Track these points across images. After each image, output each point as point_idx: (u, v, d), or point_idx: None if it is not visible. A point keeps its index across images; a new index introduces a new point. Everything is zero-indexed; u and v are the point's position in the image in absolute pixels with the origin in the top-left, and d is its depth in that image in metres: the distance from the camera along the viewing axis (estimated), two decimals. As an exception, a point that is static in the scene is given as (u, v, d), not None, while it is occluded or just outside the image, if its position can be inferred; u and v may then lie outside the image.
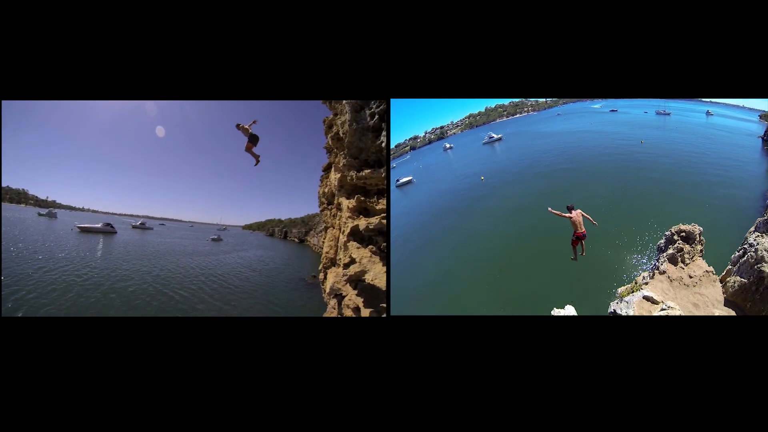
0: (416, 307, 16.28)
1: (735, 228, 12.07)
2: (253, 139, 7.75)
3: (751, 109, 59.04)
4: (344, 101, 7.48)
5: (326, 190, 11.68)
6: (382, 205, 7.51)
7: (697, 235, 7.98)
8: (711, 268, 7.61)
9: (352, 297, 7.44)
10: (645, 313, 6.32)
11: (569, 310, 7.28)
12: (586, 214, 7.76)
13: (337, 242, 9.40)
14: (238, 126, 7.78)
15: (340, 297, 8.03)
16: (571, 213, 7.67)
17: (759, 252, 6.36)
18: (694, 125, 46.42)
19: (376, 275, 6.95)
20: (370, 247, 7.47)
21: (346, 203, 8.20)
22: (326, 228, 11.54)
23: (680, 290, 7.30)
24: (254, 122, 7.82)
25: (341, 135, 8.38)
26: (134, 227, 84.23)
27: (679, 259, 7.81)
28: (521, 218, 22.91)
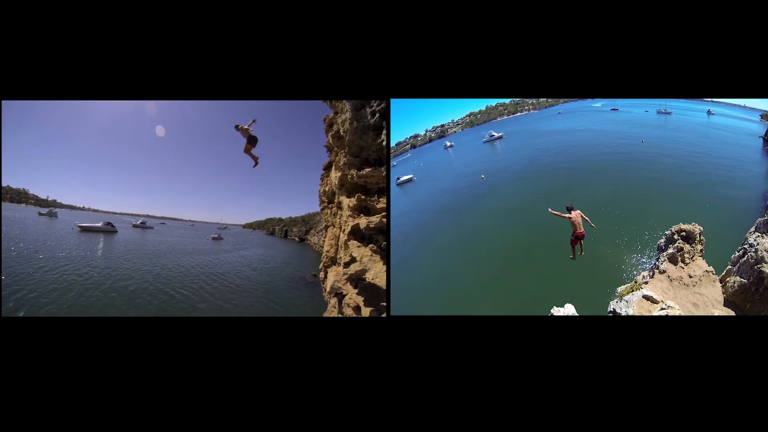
0: (416, 306, 16.30)
1: (735, 228, 12.06)
2: (252, 141, 7.72)
3: (752, 108, 58.89)
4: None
5: (327, 188, 11.68)
6: (382, 203, 7.52)
7: (698, 235, 7.98)
8: (711, 268, 7.61)
9: (352, 296, 7.45)
10: (645, 313, 6.33)
11: (569, 309, 7.28)
12: (584, 216, 7.86)
13: (338, 241, 9.41)
14: (236, 127, 7.74)
15: (340, 296, 8.04)
16: (570, 214, 7.77)
17: (759, 252, 6.36)
18: (695, 124, 46.35)
19: (377, 274, 6.96)
20: (371, 245, 7.48)
21: (347, 202, 8.21)
22: (327, 227, 11.55)
23: (680, 290, 7.30)
24: (254, 121, 7.78)
25: (342, 133, 8.38)
26: (135, 226, 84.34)
27: (679, 258, 7.81)
28: (522, 217, 22.93)
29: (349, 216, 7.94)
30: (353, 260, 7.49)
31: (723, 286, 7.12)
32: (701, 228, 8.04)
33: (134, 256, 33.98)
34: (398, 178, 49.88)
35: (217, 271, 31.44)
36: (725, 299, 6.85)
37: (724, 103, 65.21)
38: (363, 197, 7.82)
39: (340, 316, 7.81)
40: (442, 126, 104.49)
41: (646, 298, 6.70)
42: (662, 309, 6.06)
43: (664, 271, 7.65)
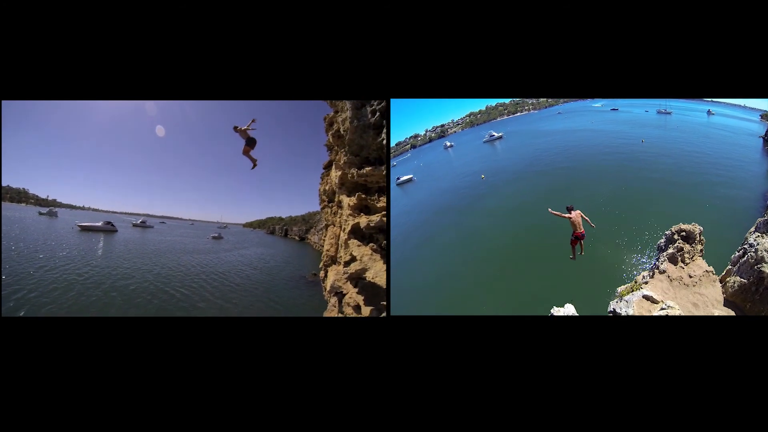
0: (417, 306, 16.31)
1: (735, 228, 12.06)
2: (250, 143, 7.69)
3: (752, 108, 58.84)
4: (345, 99, 7.48)
5: (327, 187, 11.68)
6: (382, 202, 7.52)
7: (698, 235, 7.98)
8: (711, 268, 7.61)
9: (352, 295, 7.45)
10: (645, 312, 6.33)
11: (569, 309, 7.29)
12: (584, 216, 7.88)
13: (338, 240, 9.42)
14: (235, 128, 7.68)
15: (340, 295, 8.04)
16: (570, 214, 7.81)
17: (759, 252, 6.36)
18: (695, 124, 46.33)
19: (377, 273, 6.96)
20: (371, 245, 7.48)
21: (347, 201, 8.21)
22: (327, 226, 11.55)
23: (680, 290, 7.31)
24: (253, 121, 7.73)
25: (342, 132, 8.38)
26: (135, 225, 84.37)
27: (679, 258, 7.81)
28: (522, 217, 22.94)
29: (350, 215, 7.94)
30: (353, 259, 7.49)
31: (723, 286, 7.12)
32: (701, 228, 8.04)
33: (134, 256, 34.00)
34: (398, 178, 49.88)
35: (218, 270, 31.46)
36: (725, 299, 6.86)
37: (724, 103, 65.16)
38: (363, 196, 7.82)
39: (340, 315, 7.81)
40: (442, 126, 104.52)
41: (646, 298, 6.70)
42: (662, 309, 6.07)
43: (664, 271, 7.65)
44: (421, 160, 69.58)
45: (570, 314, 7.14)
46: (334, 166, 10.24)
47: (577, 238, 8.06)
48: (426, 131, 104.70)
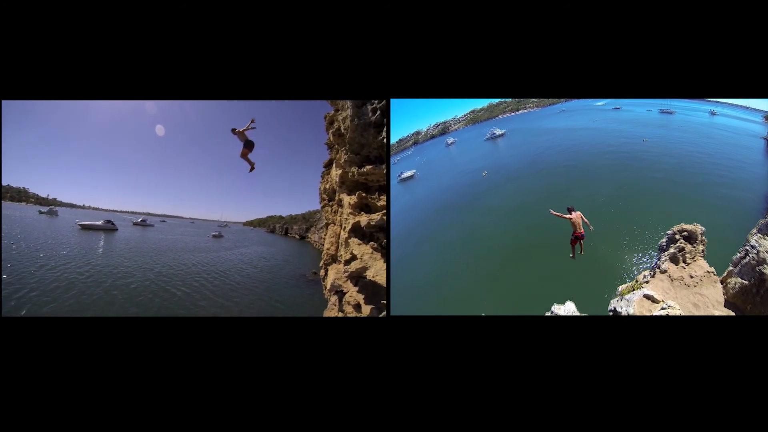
0: (417, 304, 16.32)
1: (737, 229, 12.03)
2: (248, 145, 7.62)
3: (755, 109, 58.59)
4: (345, 98, 7.46)
5: (327, 186, 11.68)
6: (383, 201, 7.51)
7: (699, 235, 7.96)
8: (712, 269, 7.59)
9: (353, 294, 7.45)
10: (645, 312, 6.32)
11: (569, 306, 7.29)
12: (584, 218, 7.98)
13: (338, 239, 9.42)
14: (233, 131, 7.58)
15: (341, 293, 8.04)
16: (571, 215, 7.89)
17: (761, 254, 6.34)
18: (697, 125, 46.17)
19: (377, 272, 6.96)
20: (372, 243, 7.48)
21: (348, 199, 8.21)
22: (327, 224, 11.56)
23: (681, 290, 7.29)
24: (252, 121, 7.62)
25: (343, 131, 8.38)
26: (135, 224, 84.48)
27: (681, 258, 7.80)
28: (523, 216, 22.92)
29: (350, 213, 7.94)
30: (354, 258, 7.49)
31: (724, 287, 7.11)
32: (703, 228, 8.02)
33: (135, 254, 34.07)
34: (400, 175, 49.89)
35: (218, 269, 31.52)
36: (726, 300, 6.84)
37: (727, 103, 64.90)
38: (364, 195, 7.81)
39: (340, 313, 7.82)
40: (445, 123, 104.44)
41: (647, 297, 6.69)
42: (663, 309, 6.05)
43: (665, 271, 7.64)
44: (423, 156, 69.52)
45: (570, 311, 7.14)
46: (334, 165, 10.24)
47: (576, 238, 8.17)
48: (428, 128, 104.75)
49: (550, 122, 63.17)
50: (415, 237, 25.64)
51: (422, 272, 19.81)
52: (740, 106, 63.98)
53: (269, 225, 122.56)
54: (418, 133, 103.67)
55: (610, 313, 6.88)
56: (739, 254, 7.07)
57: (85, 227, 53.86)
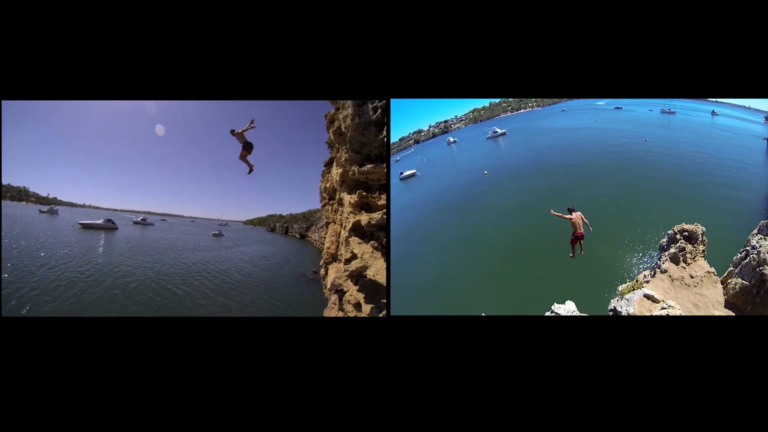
0: (417, 304, 16.33)
1: (737, 230, 12.02)
2: (247, 147, 7.58)
3: (756, 110, 58.47)
4: (346, 97, 7.45)
5: (328, 185, 11.68)
6: (383, 200, 7.51)
7: (700, 235, 7.95)
8: (713, 269, 7.59)
9: (353, 292, 7.45)
10: (645, 311, 6.32)
11: (569, 305, 7.28)
12: (584, 219, 8.06)
13: (339, 238, 9.42)
14: (232, 132, 7.53)
15: (341, 292, 8.05)
16: (571, 215, 7.93)
17: (761, 255, 6.34)
18: (699, 125, 46.08)
19: (378, 271, 6.97)
20: (372, 242, 7.48)
21: (348, 198, 8.21)
22: (327, 223, 11.56)
23: (681, 290, 7.29)
24: (252, 122, 7.56)
25: (343, 130, 8.38)
26: (135, 223, 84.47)
27: (681, 258, 7.79)
28: (524, 216, 22.90)
29: (350, 213, 7.94)
30: (354, 257, 7.49)
31: (724, 288, 7.10)
32: (704, 228, 8.01)
33: (135, 253, 34.09)
34: (401, 173, 49.88)
35: (219, 268, 31.54)
36: (726, 301, 6.84)
37: (728, 104, 64.76)
38: (364, 194, 7.81)
39: (340, 312, 7.82)
40: (446, 122, 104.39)
41: (647, 297, 6.68)
42: (663, 308, 6.05)
43: (665, 271, 7.64)
44: (425, 155, 69.45)
45: (571, 311, 7.13)
46: (335, 164, 10.23)
47: (576, 238, 8.24)
48: (429, 127, 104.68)
49: (552, 121, 63.10)
50: (416, 236, 25.64)
51: (422, 271, 19.81)
52: (741, 107, 63.85)
53: (269, 224, 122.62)
54: (419, 131, 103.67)
55: (611, 313, 6.88)
56: (739, 255, 7.07)
57: (85, 226, 53.89)
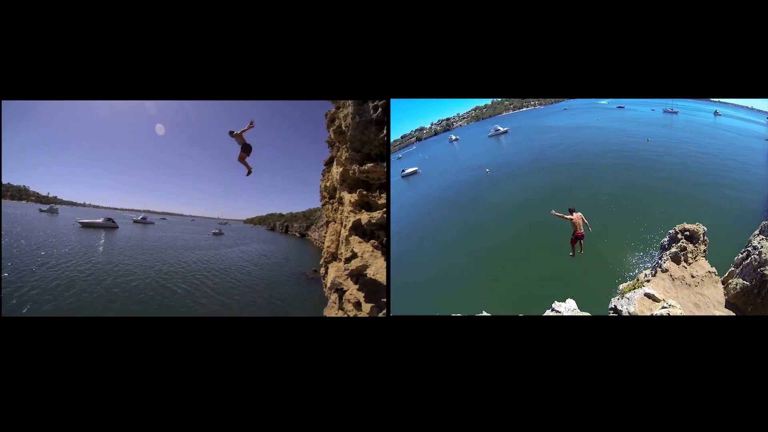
0: (418, 303, 16.32)
1: (739, 230, 11.98)
2: (246, 149, 7.53)
3: (759, 110, 58.29)
4: (346, 96, 7.43)
5: (328, 184, 11.67)
6: (384, 199, 7.50)
7: (701, 235, 7.92)
8: (714, 269, 7.57)
9: (353, 291, 7.45)
10: (646, 311, 6.30)
11: (570, 303, 7.26)
12: (584, 219, 8.09)
13: (339, 237, 9.41)
14: (231, 133, 7.45)
15: (341, 291, 8.04)
16: (572, 215, 7.96)
17: (763, 255, 6.31)
18: (701, 125, 45.95)
19: (378, 270, 6.96)
20: (372, 241, 7.47)
21: (348, 197, 8.20)
22: (328, 222, 11.55)
23: (682, 289, 7.27)
24: (251, 123, 7.48)
25: (344, 128, 8.36)
26: (135, 222, 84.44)
27: (682, 258, 7.77)
28: (525, 214, 22.86)
29: (351, 211, 7.93)
30: (354, 256, 7.49)
31: (725, 288, 7.08)
32: (705, 228, 7.99)
33: (136, 252, 34.11)
34: (403, 170, 49.84)
35: (219, 267, 31.57)
36: (727, 301, 6.82)
37: (731, 104, 64.55)
38: (365, 193, 7.80)
39: (340, 311, 7.82)
40: (448, 119, 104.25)
41: (648, 296, 6.67)
42: (663, 308, 6.03)
43: (666, 270, 7.61)
44: (426, 152, 69.32)
45: (571, 309, 7.11)
46: (335, 163, 10.22)
47: (577, 238, 8.29)
48: (431, 124, 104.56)
49: (554, 120, 62.95)
50: (417, 233, 25.63)
51: (423, 270, 19.80)
52: (744, 107, 63.68)
53: (269, 223, 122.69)
54: (421, 129, 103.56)
55: (611, 312, 6.86)
56: (740, 255, 7.04)
57: (85, 225, 53.90)
